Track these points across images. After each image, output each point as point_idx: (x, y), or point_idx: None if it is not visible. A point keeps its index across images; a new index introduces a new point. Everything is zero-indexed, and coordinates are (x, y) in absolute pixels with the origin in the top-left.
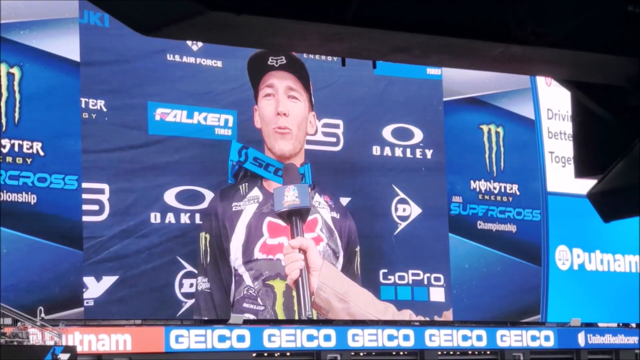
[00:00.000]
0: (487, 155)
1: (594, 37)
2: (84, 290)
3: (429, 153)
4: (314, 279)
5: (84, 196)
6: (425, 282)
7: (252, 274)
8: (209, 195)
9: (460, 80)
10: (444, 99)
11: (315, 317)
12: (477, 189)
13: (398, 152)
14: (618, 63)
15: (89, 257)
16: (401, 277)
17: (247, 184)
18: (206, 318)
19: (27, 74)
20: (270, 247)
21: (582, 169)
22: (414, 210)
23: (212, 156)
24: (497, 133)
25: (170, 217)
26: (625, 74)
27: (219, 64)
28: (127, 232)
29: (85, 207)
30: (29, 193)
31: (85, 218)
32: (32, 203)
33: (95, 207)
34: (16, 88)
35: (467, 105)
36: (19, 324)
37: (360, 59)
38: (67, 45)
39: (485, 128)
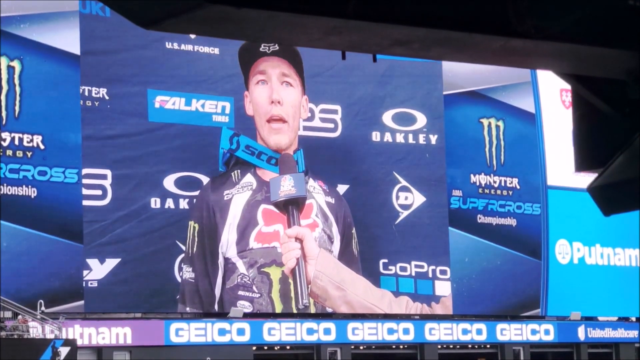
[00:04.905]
0: (487, 149)
1: (594, 31)
2: (88, 272)
3: (433, 138)
4: (310, 267)
5: (88, 181)
6: (430, 275)
7: (247, 262)
8: (206, 181)
9: (461, 74)
10: (444, 93)
11: (311, 306)
12: (477, 183)
13: (399, 138)
14: (618, 56)
15: (93, 239)
16: (403, 268)
17: (239, 171)
18: (188, 309)
19: (27, 67)
20: (266, 235)
21: (583, 163)
22: (416, 198)
23: (209, 143)
24: (498, 127)
25: (169, 203)
26: (625, 68)
27: (216, 51)
28: (129, 217)
29: (89, 192)
30: (29, 186)
31: (88, 203)
32: (32, 196)
33: (99, 192)
34: (16, 81)
35: (467, 99)
36: (19, 317)
37: (360, 52)
38: (67, 38)
39: (485, 122)
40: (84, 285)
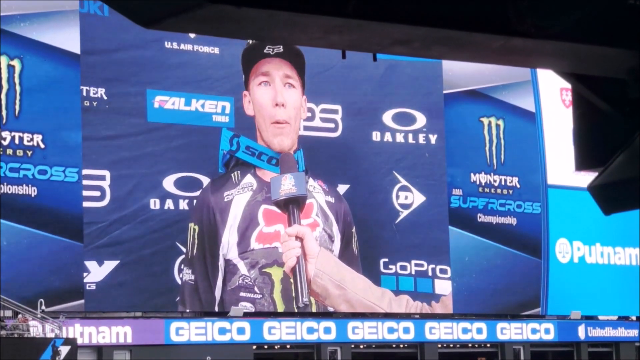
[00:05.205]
0: (487, 148)
1: (594, 30)
2: (86, 274)
3: (432, 138)
4: (310, 266)
5: (86, 182)
6: (430, 274)
7: (248, 263)
8: (206, 182)
9: (461, 73)
10: (444, 92)
11: (312, 304)
12: (478, 182)
13: (399, 138)
14: (618, 55)
15: (91, 241)
16: (403, 267)
17: (239, 172)
18: (188, 310)
19: (27, 67)
20: (267, 236)
21: (583, 162)
22: (416, 197)
23: (209, 143)
24: (498, 126)
25: (169, 204)
26: (625, 67)
27: (216, 50)
28: (128, 218)
29: (86, 193)
30: (30, 185)
31: (86, 204)
32: (33, 195)
33: (97, 194)
34: (17, 80)
35: (467, 98)
36: (19, 316)
37: (360, 51)
38: (67, 38)
39: (485, 121)
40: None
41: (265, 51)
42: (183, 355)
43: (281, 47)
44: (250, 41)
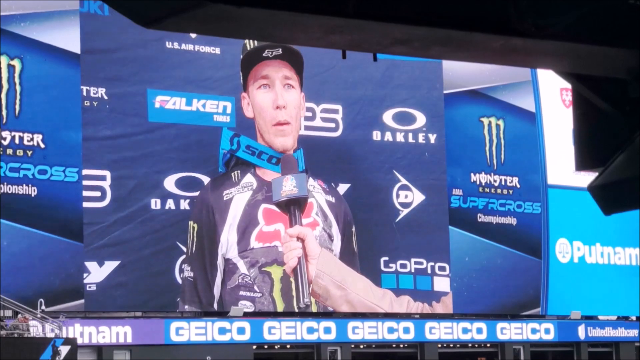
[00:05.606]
0: (487, 148)
1: (594, 30)
2: (86, 275)
3: (432, 137)
4: (312, 267)
5: (86, 183)
6: (429, 271)
7: (248, 262)
8: (207, 181)
9: (461, 73)
10: (445, 92)
11: (313, 304)
12: (478, 182)
13: (399, 137)
14: (618, 55)
15: (91, 242)
16: (403, 266)
17: (239, 171)
18: (187, 307)
19: (27, 66)
20: (266, 235)
21: (583, 162)
22: (416, 196)
23: (210, 143)
24: (498, 126)
25: (170, 203)
26: (625, 66)
27: (217, 50)
28: (128, 218)
29: (87, 193)
30: (30, 185)
31: (87, 204)
32: (33, 195)
33: (97, 194)
34: (17, 80)
35: (467, 98)
36: (19, 316)
37: (360, 51)
38: (67, 37)
39: (485, 121)
40: (85, 289)
41: (264, 54)
42: (183, 355)
43: (280, 49)
44: (249, 47)
